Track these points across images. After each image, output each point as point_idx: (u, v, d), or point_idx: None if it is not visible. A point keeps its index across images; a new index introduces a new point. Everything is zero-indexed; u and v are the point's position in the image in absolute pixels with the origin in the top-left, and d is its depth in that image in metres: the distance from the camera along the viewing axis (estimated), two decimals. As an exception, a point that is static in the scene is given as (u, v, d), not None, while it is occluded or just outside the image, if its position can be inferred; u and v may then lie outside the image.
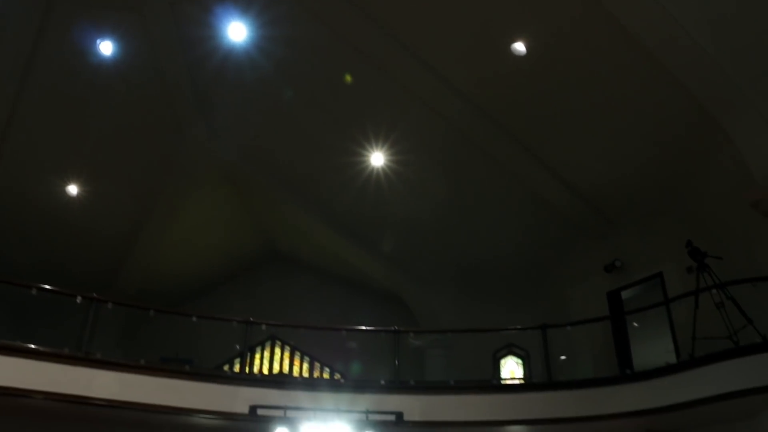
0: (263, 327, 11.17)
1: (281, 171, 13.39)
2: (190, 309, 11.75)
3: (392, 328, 11.22)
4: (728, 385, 9.09)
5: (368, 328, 11.84)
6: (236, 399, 9.84)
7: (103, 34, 10.88)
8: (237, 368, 12.76)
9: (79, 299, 9.86)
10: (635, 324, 12.32)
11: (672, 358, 10.67)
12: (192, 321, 10.70)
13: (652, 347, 11.93)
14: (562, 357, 12.22)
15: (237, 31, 10.81)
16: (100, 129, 12.04)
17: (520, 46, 9.95)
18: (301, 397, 10.03)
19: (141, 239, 13.93)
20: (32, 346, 9.00)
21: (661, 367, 10.06)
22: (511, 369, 13.40)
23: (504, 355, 13.48)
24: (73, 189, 12.90)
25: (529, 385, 11.68)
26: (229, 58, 11.22)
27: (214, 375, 10.45)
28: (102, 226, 13.56)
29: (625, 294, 12.59)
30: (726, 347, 9.29)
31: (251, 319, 10.90)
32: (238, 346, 11.85)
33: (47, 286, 9.77)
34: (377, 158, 11.83)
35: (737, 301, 9.44)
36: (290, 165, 13.13)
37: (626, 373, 10.76)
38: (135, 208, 13.44)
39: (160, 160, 12.79)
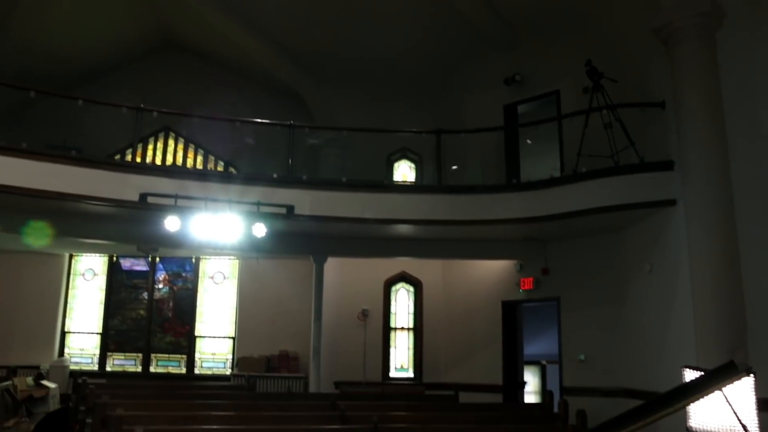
0: (155, 115, 10.76)
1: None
2: (77, 95, 11.05)
3: (288, 122, 11.09)
4: (604, 200, 9.75)
5: (263, 120, 11.62)
6: (126, 186, 9.66)
7: None
8: (129, 158, 12.40)
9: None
10: (528, 141, 12.73)
11: (557, 175, 11.21)
12: (80, 109, 10.17)
13: (541, 163, 12.46)
14: (454, 167, 12.57)
15: None
16: None
17: None
18: (192, 187, 9.96)
19: (19, 12, 12.63)
20: None
21: (545, 179, 10.60)
22: (404, 172, 13.74)
23: (398, 159, 13.75)
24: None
25: (420, 187, 12.04)
26: None
27: (103, 162, 10.11)
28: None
29: (521, 108, 12.85)
30: (607, 166, 9.82)
31: (142, 105, 10.45)
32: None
33: None
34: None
35: (624, 124, 9.83)
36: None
37: (512, 182, 11.26)
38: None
39: None
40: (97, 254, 14.73)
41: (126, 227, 10.87)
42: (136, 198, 9.63)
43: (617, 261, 10.98)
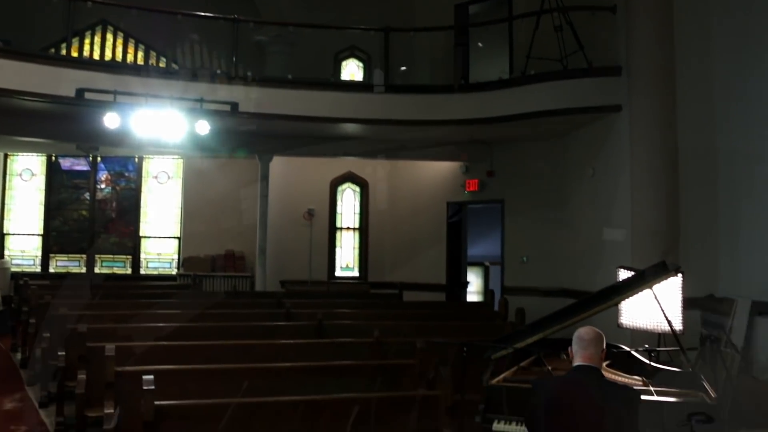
0: (89, 5, 10.18)
1: None
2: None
3: (232, 17, 10.66)
4: (551, 103, 9.79)
5: (206, 14, 11.14)
6: (61, 81, 9.21)
7: None
8: (64, 53, 11.80)
9: None
10: (479, 44, 12.55)
11: (506, 77, 11.13)
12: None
13: (490, 66, 12.32)
14: (403, 68, 12.36)
15: None
16: None
17: None
18: (132, 82, 9.60)
19: None
20: None
21: (494, 81, 10.57)
22: (352, 71, 13.47)
23: (346, 57, 13.42)
24: None
25: (367, 85, 11.85)
26: None
27: (35, 55, 9.58)
28: None
29: (472, 9, 12.57)
30: (556, 69, 9.81)
31: (76, -6, 9.88)
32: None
33: None
34: None
35: (574, 27, 9.76)
36: None
37: (461, 84, 11.17)
38: None
39: None
40: (35, 154, 14.24)
41: (63, 125, 10.50)
42: (72, 93, 9.23)
43: (561, 165, 11.16)
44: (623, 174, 9.22)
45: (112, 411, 5.31)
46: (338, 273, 13.74)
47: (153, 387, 4.49)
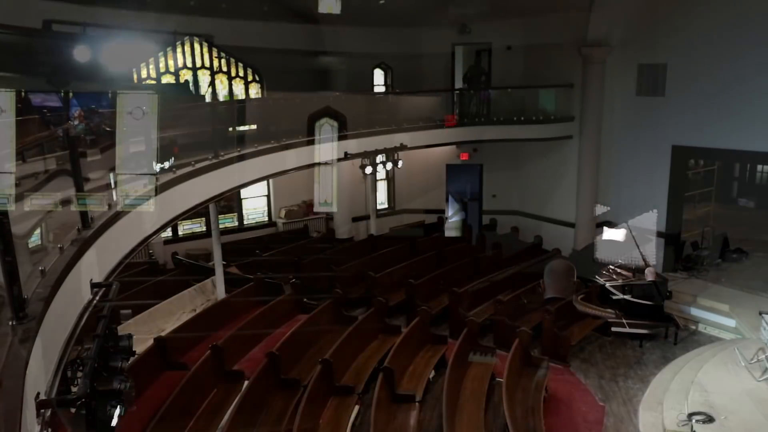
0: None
1: None
2: None
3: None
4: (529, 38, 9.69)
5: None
6: (26, 12, 8.89)
7: None
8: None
9: None
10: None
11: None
12: None
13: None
14: (381, 1, 12.11)
15: None
16: None
17: None
18: (103, 14, 9.27)
19: None
20: None
21: (476, 13, 10.43)
22: (329, 4, 13.11)
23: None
24: None
25: (345, 18, 11.63)
26: None
27: (-2, -16, 9.24)
28: None
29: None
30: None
31: None
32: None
33: None
34: None
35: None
36: None
37: (444, 17, 11.00)
38: None
39: None
40: (2, 89, 13.85)
41: (31, 58, 10.19)
42: (39, 25, 8.93)
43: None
44: (605, 123, 9.30)
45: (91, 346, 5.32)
46: (317, 208, 13.66)
47: (131, 321, 4.52)
